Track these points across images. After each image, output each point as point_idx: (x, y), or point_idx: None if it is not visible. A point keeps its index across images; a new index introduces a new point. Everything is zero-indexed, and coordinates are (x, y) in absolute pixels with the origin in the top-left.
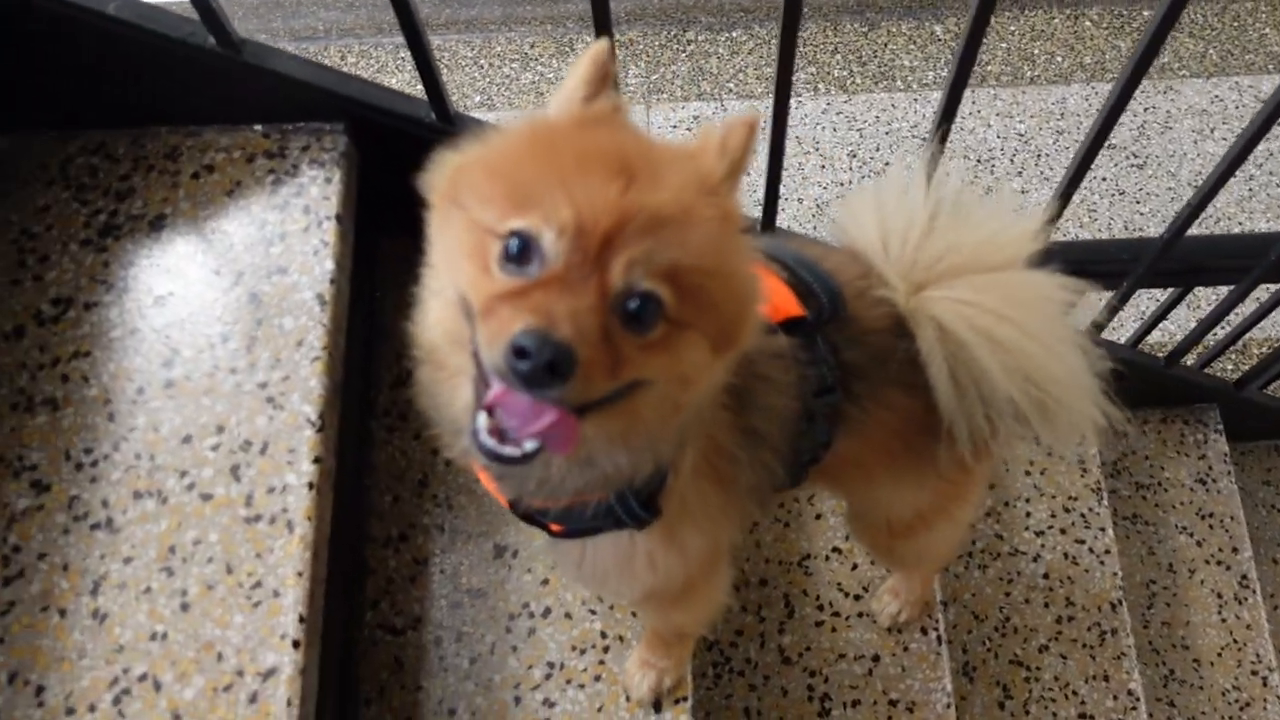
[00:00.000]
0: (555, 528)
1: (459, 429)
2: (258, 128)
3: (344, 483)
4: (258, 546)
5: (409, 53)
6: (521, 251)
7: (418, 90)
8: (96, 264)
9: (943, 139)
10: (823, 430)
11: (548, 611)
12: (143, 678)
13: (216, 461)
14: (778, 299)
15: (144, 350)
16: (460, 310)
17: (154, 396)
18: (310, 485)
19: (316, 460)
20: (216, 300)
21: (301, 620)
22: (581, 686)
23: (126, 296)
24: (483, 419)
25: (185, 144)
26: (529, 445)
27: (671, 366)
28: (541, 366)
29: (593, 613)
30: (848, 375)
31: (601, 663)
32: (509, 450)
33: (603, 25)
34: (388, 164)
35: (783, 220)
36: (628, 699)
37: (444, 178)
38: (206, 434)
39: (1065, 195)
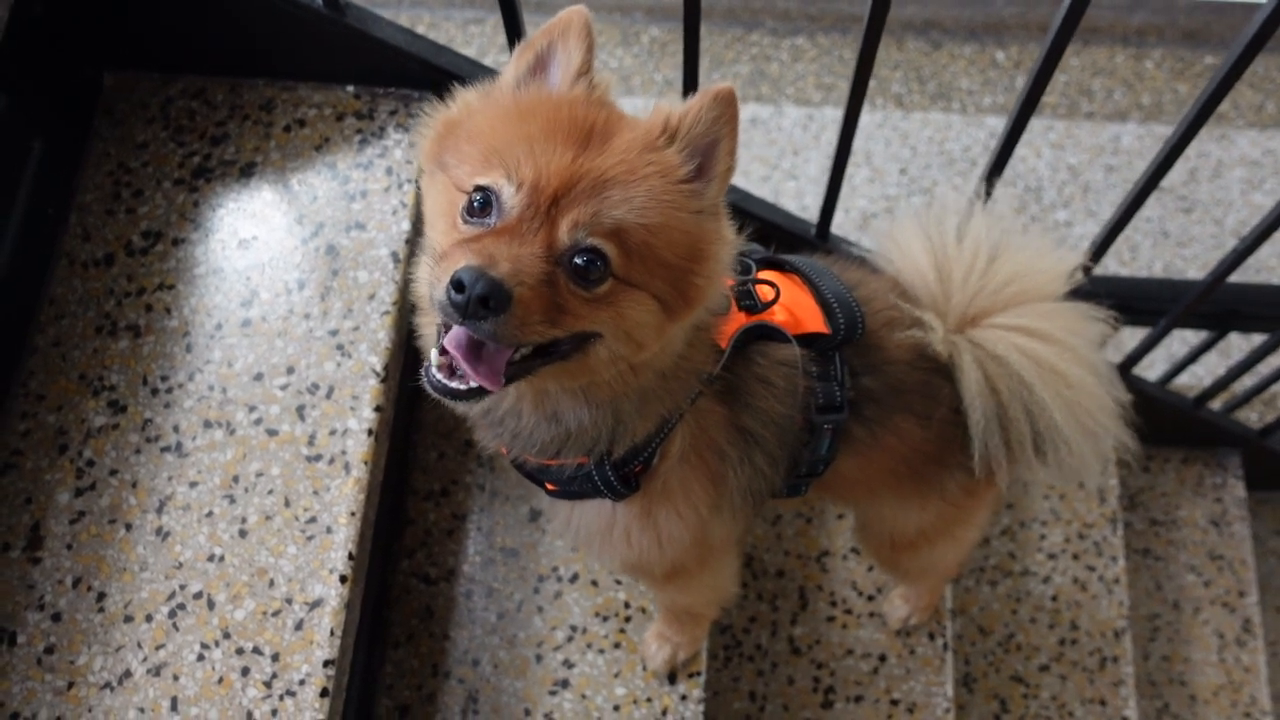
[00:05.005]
0: (550, 486)
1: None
2: (350, 88)
3: (395, 434)
4: (316, 484)
5: (503, 29)
6: (483, 205)
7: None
8: (187, 203)
9: (997, 172)
10: (824, 445)
11: (575, 577)
12: (198, 595)
13: (284, 400)
14: (803, 314)
15: (225, 289)
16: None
17: (230, 333)
18: (370, 431)
19: (378, 409)
20: (296, 248)
21: (351, 558)
22: (601, 651)
23: (213, 236)
24: (434, 355)
25: (280, 97)
26: (474, 381)
27: (616, 321)
28: (475, 298)
29: (618, 583)
30: (861, 398)
31: (622, 631)
32: (455, 384)
33: (692, 17)
34: None
35: None
36: (644, 668)
37: (429, 138)
38: (277, 373)
39: (1112, 234)
